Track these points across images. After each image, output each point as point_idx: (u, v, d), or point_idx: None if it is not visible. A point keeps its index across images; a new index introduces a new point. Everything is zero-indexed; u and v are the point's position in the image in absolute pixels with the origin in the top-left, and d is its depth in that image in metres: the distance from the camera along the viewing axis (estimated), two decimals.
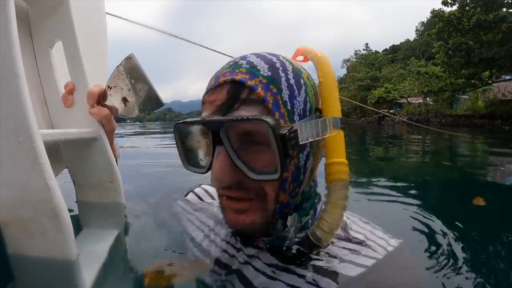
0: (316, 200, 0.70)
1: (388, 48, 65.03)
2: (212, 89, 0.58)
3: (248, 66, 0.58)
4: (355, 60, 57.29)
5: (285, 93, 0.57)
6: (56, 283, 0.64)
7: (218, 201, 0.65)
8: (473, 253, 1.44)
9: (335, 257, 0.60)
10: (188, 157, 0.64)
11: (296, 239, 0.61)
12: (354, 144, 7.03)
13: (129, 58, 0.84)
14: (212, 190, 0.95)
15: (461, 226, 1.73)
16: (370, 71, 41.52)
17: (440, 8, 19.25)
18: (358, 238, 0.64)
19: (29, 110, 0.57)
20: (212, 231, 0.78)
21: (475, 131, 12.96)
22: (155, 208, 1.03)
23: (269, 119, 0.51)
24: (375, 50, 56.33)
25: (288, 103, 0.57)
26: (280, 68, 0.59)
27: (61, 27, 0.90)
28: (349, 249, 0.61)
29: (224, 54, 2.87)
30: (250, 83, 0.55)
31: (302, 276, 0.59)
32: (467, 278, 1.22)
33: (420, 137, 9.61)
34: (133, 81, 0.84)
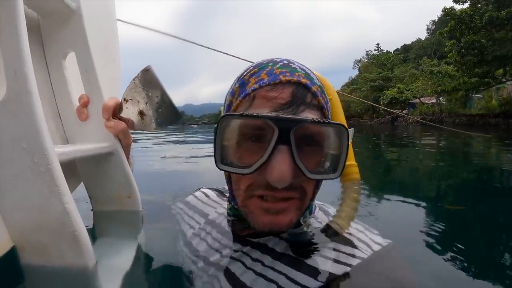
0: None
1: (399, 47, 64.63)
2: (270, 85, 0.56)
3: (302, 71, 0.58)
4: (366, 60, 56.98)
5: (328, 104, 0.63)
6: None
7: (243, 204, 0.60)
8: (482, 255, 1.47)
9: (323, 256, 0.61)
10: (224, 156, 0.57)
11: (311, 232, 0.66)
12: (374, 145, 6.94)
13: (146, 70, 0.81)
14: (211, 193, 0.95)
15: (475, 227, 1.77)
16: (382, 71, 41.02)
17: (452, 6, 19.02)
18: (349, 239, 0.65)
19: (43, 129, 0.54)
20: (203, 230, 0.79)
21: (491, 131, 12.74)
22: (168, 212, 1.02)
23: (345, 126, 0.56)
24: (387, 50, 55.78)
25: (329, 112, 0.63)
26: (318, 79, 0.62)
27: (74, 38, 0.88)
28: (339, 250, 0.62)
29: (238, 58, 2.85)
30: (314, 88, 0.57)
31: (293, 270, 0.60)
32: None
33: (434, 137, 9.49)
34: (150, 94, 0.81)
